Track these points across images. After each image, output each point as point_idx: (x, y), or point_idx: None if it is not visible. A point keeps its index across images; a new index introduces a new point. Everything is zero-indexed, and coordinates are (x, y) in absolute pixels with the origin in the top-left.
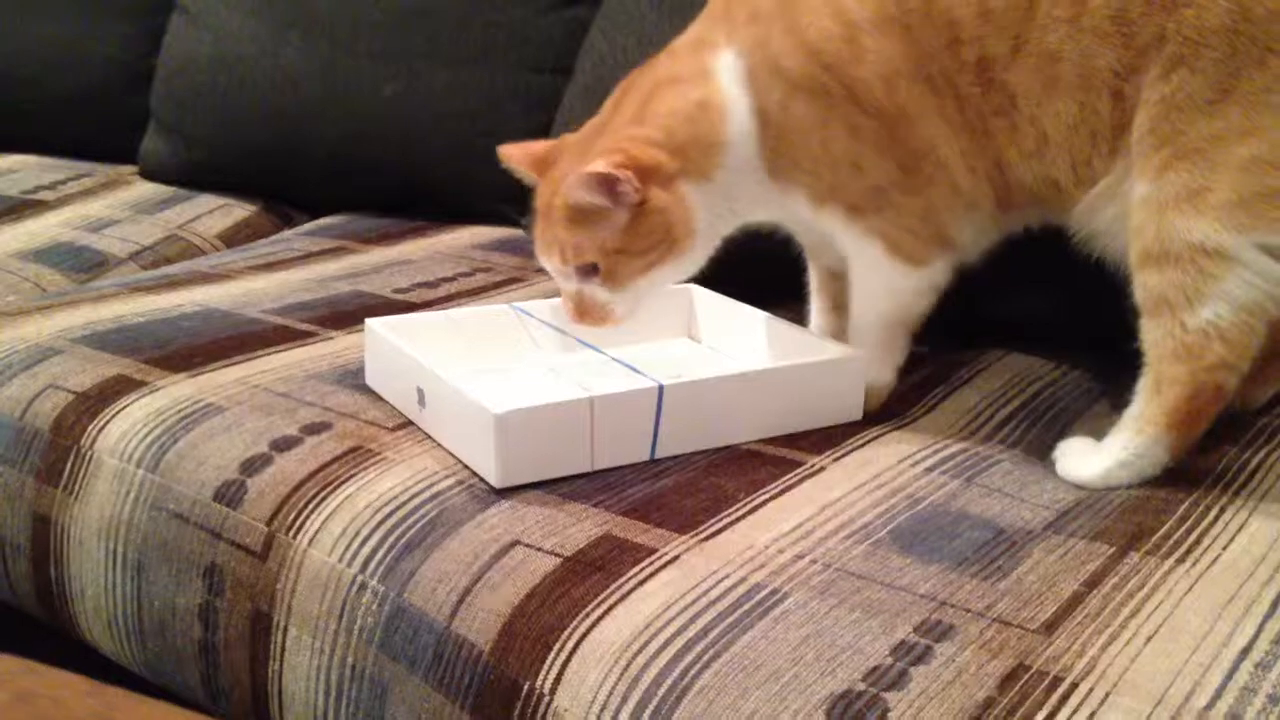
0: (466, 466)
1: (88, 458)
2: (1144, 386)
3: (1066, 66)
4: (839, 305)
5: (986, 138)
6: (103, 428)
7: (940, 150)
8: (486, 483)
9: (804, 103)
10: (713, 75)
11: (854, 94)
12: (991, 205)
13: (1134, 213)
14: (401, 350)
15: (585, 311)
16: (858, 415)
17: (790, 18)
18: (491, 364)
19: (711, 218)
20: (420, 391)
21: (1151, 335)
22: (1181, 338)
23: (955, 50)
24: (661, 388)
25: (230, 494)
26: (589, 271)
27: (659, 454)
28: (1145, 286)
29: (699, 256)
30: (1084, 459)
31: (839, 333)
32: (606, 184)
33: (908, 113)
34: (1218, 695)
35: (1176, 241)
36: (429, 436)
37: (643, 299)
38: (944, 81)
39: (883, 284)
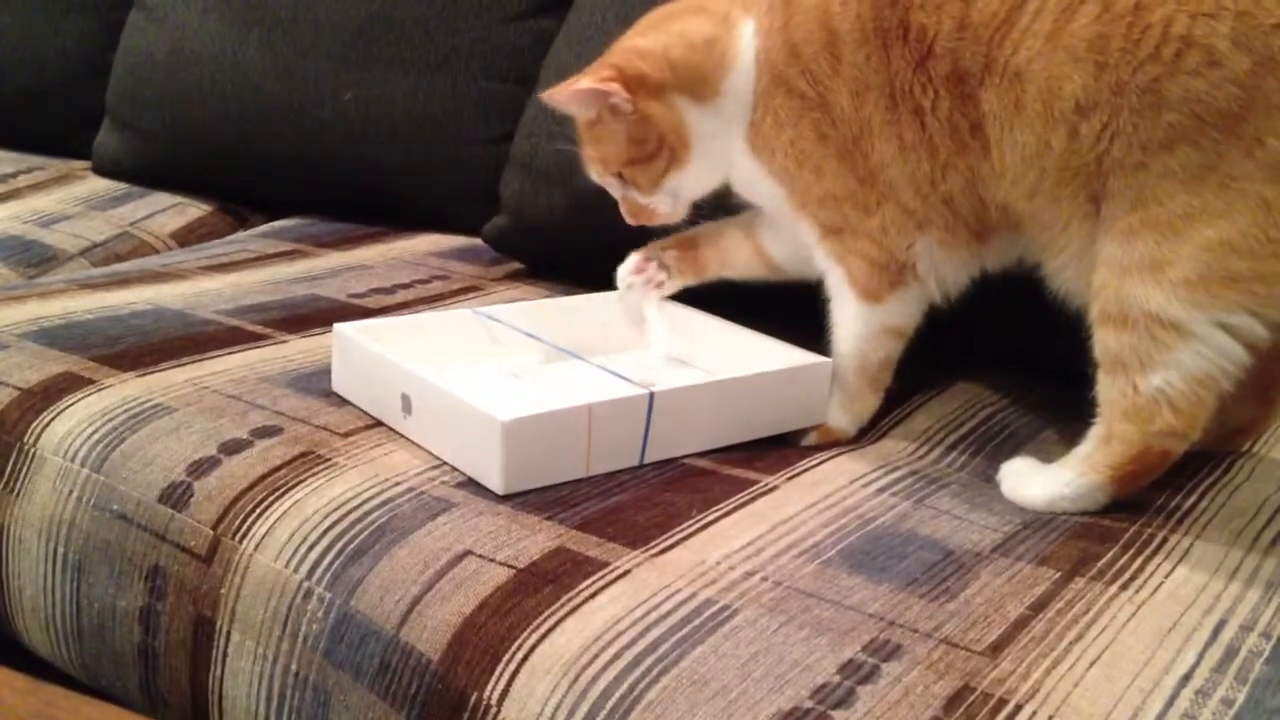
0: (458, 470)
1: (30, 455)
2: (1095, 434)
3: (1031, 90)
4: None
5: (961, 154)
6: (47, 425)
7: (890, 170)
8: (486, 488)
9: (783, 97)
10: (735, 30)
11: (825, 101)
12: (961, 230)
13: (1098, 268)
14: (384, 357)
15: (635, 213)
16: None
17: (788, 14)
18: (461, 368)
19: (709, 138)
20: (406, 398)
21: (1106, 391)
22: (1133, 399)
23: (924, 67)
24: (652, 395)
25: (176, 496)
26: (624, 179)
27: (647, 459)
28: (1103, 344)
29: (708, 169)
30: (1030, 481)
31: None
32: (595, 98)
33: (872, 126)
34: None
35: (1134, 307)
36: (413, 442)
37: (685, 198)
38: (906, 100)
39: (845, 317)
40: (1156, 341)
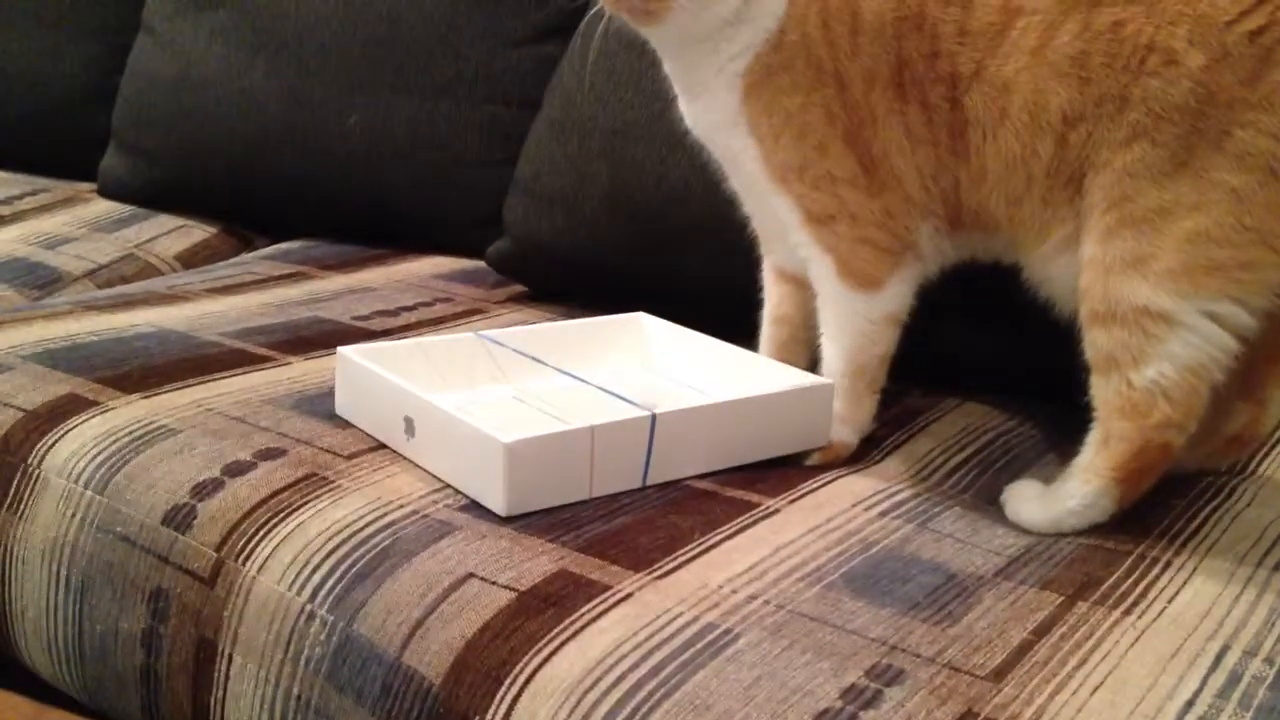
0: (462, 494)
1: (35, 476)
2: (1093, 439)
3: (1017, 101)
4: (782, 316)
5: (951, 154)
6: (51, 446)
7: (894, 160)
8: (489, 511)
9: (803, 63)
10: None
11: (841, 80)
12: (945, 221)
13: (1083, 271)
14: (387, 379)
15: None
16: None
17: None
18: (464, 391)
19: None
20: (409, 420)
21: (1101, 392)
22: (1128, 395)
23: (933, 62)
24: (654, 417)
25: (180, 518)
26: None
27: (650, 481)
28: (1094, 345)
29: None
30: (1033, 504)
31: (782, 345)
32: None
33: (875, 115)
34: None
35: (1122, 303)
36: (416, 465)
37: None
38: (916, 91)
39: (838, 313)
40: (1147, 334)
